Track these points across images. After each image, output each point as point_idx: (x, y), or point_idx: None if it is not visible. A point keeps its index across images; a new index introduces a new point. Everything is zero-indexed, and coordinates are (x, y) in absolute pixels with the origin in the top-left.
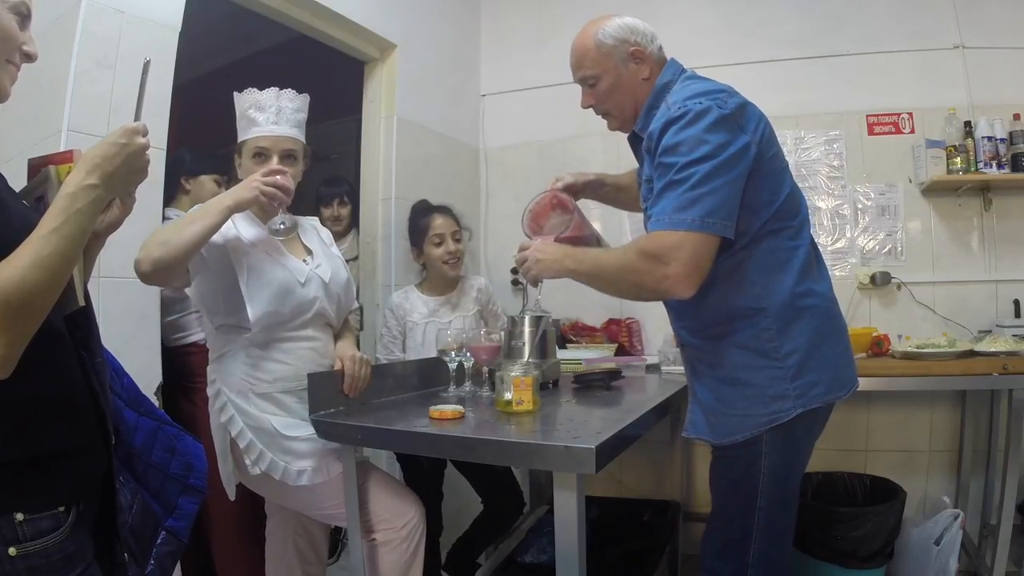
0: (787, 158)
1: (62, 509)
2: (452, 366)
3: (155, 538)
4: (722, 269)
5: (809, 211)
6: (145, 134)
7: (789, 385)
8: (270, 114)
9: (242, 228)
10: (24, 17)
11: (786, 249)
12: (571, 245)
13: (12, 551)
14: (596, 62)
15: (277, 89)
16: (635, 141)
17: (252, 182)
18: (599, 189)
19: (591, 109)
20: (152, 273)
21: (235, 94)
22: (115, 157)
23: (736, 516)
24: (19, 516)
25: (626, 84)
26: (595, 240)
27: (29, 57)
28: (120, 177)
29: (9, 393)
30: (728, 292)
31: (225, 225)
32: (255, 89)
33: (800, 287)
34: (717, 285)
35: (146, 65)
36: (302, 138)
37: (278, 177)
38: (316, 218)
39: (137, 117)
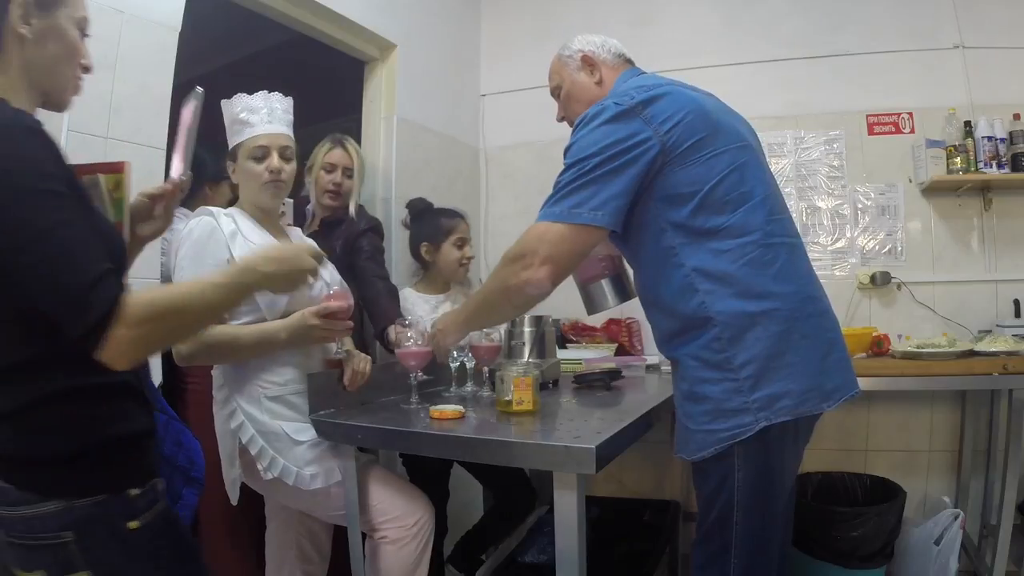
0: (787, 158)
1: (156, 480)
2: (453, 366)
3: None
4: (663, 275)
5: (783, 206)
6: (320, 262)
7: (747, 398)
8: (263, 114)
9: (248, 233)
10: (84, 33)
11: (729, 249)
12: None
13: (133, 524)
14: (556, 72)
15: (266, 92)
16: None
17: (310, 328)
18: None
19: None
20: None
21: (223, 102)
22: (291, 272)
23: (714, 531)
24: (133, 491)
25: (579, 90)
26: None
27: (87, 69)
28: (278, 284)
29: (106, 379)
30: (675, 301)
31: (232, 236)
32: (244, 94)
33: (753, 290)
34: (663, 293)
35: (197, 95)
36: (293, 137)
37: (331, 304)
38: (298, 229)
39: (186, 157)
